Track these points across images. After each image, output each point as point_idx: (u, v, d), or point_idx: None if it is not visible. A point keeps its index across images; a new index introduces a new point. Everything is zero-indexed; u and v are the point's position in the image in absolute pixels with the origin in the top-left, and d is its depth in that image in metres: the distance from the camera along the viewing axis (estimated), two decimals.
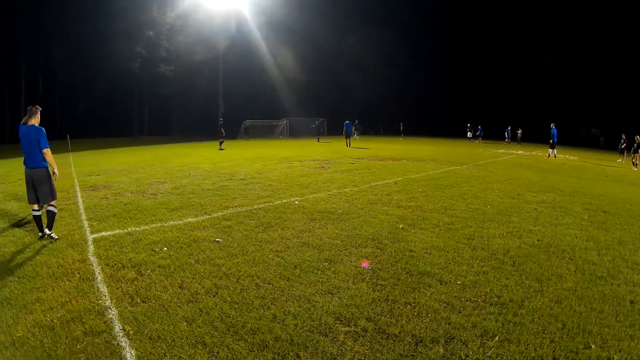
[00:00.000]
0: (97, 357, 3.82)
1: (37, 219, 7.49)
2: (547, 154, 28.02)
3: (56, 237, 7.38)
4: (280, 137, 51.89)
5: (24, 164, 7.41)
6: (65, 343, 4.04)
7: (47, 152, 7.32)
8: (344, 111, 56.24)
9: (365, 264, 6.01)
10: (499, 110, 59.27)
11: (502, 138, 43.77)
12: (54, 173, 7.57)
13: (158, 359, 3.82)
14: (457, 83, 68.13)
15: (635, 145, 24.03)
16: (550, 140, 28.08)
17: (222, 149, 28.69)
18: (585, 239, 7.84)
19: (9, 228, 8.09)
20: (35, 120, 7.39)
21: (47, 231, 7.42)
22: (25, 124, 7.31)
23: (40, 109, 7.56)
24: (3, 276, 5.66)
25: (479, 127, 45.10)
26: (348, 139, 33.57)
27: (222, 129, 30.79)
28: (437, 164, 19.91)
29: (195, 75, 56.56)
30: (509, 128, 42.56)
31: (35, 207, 7.46)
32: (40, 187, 7.35)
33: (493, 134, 48.83)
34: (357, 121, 45.18)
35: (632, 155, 24.43)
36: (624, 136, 29.65)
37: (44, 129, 7.37)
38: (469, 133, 48.15)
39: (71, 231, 7.81)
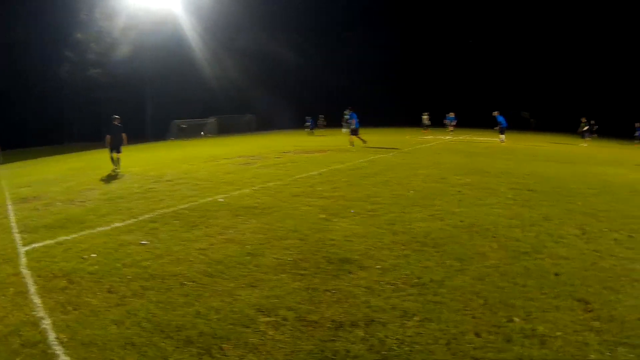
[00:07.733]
0: None
1: None
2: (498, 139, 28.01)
3: None
4: (209, 136, 50.22)
5: None
6: (4, 357, 4.26)
7: None
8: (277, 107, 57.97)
9: None
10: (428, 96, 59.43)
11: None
12: None
13: None
14: (385, 69, 66.24)
15: None
16: (499, 127, 28.16)
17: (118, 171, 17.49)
18: (509, 217, 8.15)
19: None
20: None
21: None
22: None
23: None
24: None
25: (452, 114, 37.25)
26: (357, 135, 24.43)
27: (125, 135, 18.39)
28: (362, 153, 20.28)
29: (125, 78, 54.72)
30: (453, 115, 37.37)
31: None
32: None
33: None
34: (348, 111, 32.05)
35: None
36: (584, 120, 29.64)
37: None
38: (445, 121, 39.81)
39: (4, 246, 7.84)
